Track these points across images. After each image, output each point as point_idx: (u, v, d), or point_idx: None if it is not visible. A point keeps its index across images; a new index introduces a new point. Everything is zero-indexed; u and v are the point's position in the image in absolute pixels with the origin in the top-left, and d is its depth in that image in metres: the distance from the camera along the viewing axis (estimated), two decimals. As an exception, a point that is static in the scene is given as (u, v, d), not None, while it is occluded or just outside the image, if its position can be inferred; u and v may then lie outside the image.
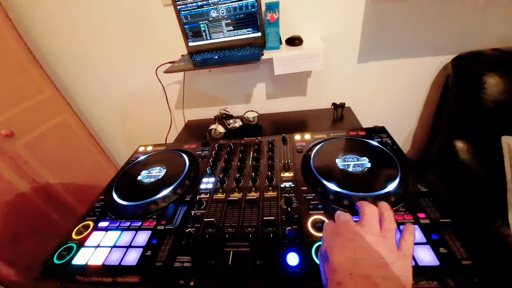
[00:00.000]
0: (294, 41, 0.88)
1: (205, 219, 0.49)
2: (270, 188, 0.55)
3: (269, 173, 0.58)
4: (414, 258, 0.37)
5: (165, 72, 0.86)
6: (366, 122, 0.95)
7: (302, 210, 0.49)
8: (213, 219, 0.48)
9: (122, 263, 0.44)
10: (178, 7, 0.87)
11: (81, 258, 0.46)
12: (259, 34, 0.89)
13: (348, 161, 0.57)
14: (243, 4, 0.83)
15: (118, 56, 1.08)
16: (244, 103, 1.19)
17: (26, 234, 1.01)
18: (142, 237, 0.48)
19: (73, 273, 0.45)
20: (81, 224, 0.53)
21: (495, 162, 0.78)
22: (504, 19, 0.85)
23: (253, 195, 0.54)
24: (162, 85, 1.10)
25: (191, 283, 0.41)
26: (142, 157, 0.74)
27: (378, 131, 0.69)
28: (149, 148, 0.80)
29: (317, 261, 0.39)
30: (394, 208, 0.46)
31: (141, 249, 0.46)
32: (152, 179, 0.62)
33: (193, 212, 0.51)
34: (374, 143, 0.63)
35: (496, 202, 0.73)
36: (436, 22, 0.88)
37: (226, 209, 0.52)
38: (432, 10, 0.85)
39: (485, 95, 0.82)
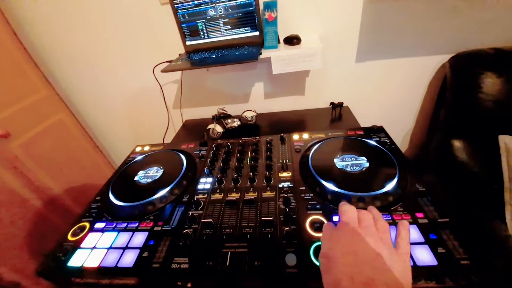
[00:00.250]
0: (292, 40, 0.88)
1: (202, 220, 0.48)
2: (268, 188, 0.55)
3: (267, 173, 0.57)
4: (412, 258, 0.37)
5: (163, 71, 0.85)
6: (364, 121, 0.95)
7: (300, 210, 0.48)
8: (210, 220, 0.47)
9: (119, 265, 0.43)
10: (175, 5, 0.86)
11: (77, 260, 0.45)
12: (257, 33, 0.88)
13: (346, 161, 0.57)
14: (241, 2, 0.83)
15: (115, 55, 1.07)
16: (242, 102, 1.18)
17: (22, 235, 1.00)
18: (139, 238, 0.48)
19: (69, 275, 0.44)
20: (77, 226, 0.53)
21: (492, 161, 0.78)
22: (501, 18, 0.85)
23: (251, 195, 0.53)
24: (159, 84, 1.09)
25: (189, 285, 0.41)
26: (139, 157, 0.73)
27: (376, 131, 0.69)
28: (146, 148, 0.80)
29: (316, 263, 0.39)
30: (392, 208, 0.46)
31: (138, 251, 0.45)
32: (149, 180, 0.62)
33: (190, 212, 0.51)
34: (372, 142, 0.63)
35: (493, 201, 0.74)
36: (433, 21, 0.88)
37: (224, 210, 0.51)
38: (430, 10, 0.86)
39: (483, 94, 0.82)
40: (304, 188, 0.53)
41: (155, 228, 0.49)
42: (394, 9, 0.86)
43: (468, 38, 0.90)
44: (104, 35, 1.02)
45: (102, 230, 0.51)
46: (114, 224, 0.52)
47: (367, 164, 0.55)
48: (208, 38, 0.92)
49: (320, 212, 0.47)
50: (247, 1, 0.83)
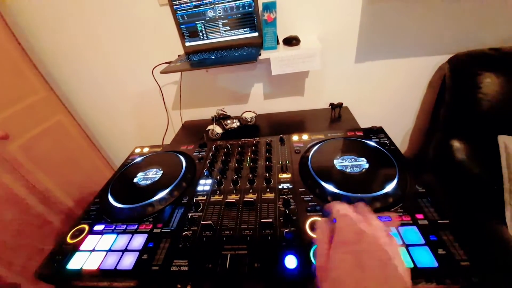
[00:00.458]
0: (292, 41, 0.88)
1: (202, 222, 0.48)
2: (268, 190, 0.55)
3: (267, 174, 0.57)
4: (413, 260, 0.37)
5: (162, 72, 0.85)
6: (364, 121, 0.95)
7: (300, 211, 0.48)
8: (210, 222, 0.47)
9: (118, 267, 0.43)
10: (174, 6, 0.86)
11: (76, 262, 0.45)
12: (256, 34, 0.88)
13: (346, 162, 0.56)
14: (240, 3, 0.83)
15: (114, 56, 1.07)
16: (241, 103, 1.18)
17: (22, 237, 0.99)
18: (138, 241, 0.47)
19: (68, 278, 0.44)
20: (76, 228, 0.53)
21: (492, 161, 0.78)
22: (500, 19, 0.85)
23: (251, 196, 0.53)
24: (158, 85, 1.09)
25: (188, 287, 0.40)
26: (138, 159, 0.73)
27: (376, 132, 0.69)
28: (146, 150, 0.80)
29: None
30: (392, 209, 0.46)
31: (137, 253, 0.45)
32: (149, 181, 0.61)
33: (190, 214, 0.50)
34: (372, 143, 0.63)
35: (493, 201, 0.74)
36: (432, 22, 0.88)
37: (223, 212, 0.51)
38: (429, 10, 0.86)
39: (482, 94, 0.82)
40: (303, 189, 0.53)
41: (155, 230, 0.49)
42: (393, 10, 0.86)
43: (467, 39, 0.90)
44: (103, 36, 1.02)
45: (101, 232, 0.51)
46: (113, 226, 0.52)
47: (366, 165, 0.55)
48: (207, 39, 0.92)
49: (320, 213, 0.47)
50: (246, 2, 0.82)
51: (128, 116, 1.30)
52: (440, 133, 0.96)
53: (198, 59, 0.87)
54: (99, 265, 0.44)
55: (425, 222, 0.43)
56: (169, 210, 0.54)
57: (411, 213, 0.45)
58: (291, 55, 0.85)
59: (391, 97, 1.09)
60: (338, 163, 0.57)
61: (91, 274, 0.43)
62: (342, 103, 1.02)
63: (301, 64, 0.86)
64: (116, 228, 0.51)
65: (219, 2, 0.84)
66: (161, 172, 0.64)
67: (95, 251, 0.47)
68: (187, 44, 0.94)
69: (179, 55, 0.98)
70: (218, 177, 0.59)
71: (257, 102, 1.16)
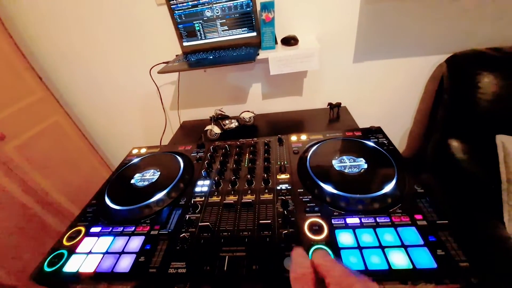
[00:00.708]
0: (290, 41, 0.88)
1: (200, 223, 0.48)
2: (266, 191, 0.54)
3: (265, 175, 0.57)
4: (411, 261, 0.37)
5: (159, 72, 0.84)
6: (362, 121, 0.95)
7: (299, 212, 0.48)
8: (208, 223, 0.47)
9: (115, 270, 0.43)
10: (172, 6, 0.86)
11: (73, 265, 0.45)
12: (254, 34, 0.88)
13: (344, 162, 0.56)
14: (238, 3, 0.83)
15: (111, 56, 1.06)
16: (240, 103, 1.18)
17: (18, 237, 0.99)
18: (135, 243, 0.47)
19: (64, 281, 0.43)
20: (73, 230, 0.52)
21: (490, 161, 0.78)
22: (499, 18, 0.85)
23: (249, 197, 0.53)
24: (156, 85, 1.08)
25: (186, 290, 0.40)
26: (135, 160, 0.72)
27: (374, 132, 0.69)
28: (143, 150, 0.79)
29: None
30: (391, 210, 0.46)
31: (134, 255, 0.44)
32: (146, 183, 0.61)
33: (187, 216, 0.50)
34: (371, 143, 0.62)
35: (491, 201, 0.74)
36: (430, 21, 0.88)
37: (221, 213, 0.51)
38: (427, 10, 0.86)
39: (480, 94, 0.82)
40: (302, 190, 0.53)
41: (152, 232, 0.49)
42: (391, 10, 0.86)
43: (465, 38, 0.90)
44: (100, 37, 1.01)
45: (98, 235, 0.50)
46: (110, 228, 0.51)
47: (365, 166, 0.54)
48: (205, 39, 0.91)
49: (319, 214, 0.47)
50: (244, 2, 0.82)
51: (125, 117, 1.29)
52: (439, 133, 0.96)
53: (196, 59, 0.87)
54: (96, 268, 0.43)
55: (424, 222, 0.43)
56: (166, 212, 0.53)
57: (410, 213, 0.44)
58: (289, 55, 0.84)
59: (389, 97, 1.09)
60: (336, 163, 0.56)
61: (88, 277, 0.43)
62: (340, 103, 1.02)
63: (299, 64, 0.86)
64: (113, 230, 0.51)
65: (217, 1, 0.83)
66: (159, 173, 0.63)
67: (92, 254, 0.46)
68: (185, 44, 0.94)
69: (177, 55, 0.97)
70: (216, 178, 0.59)
71: (256, 102, 1.16)
